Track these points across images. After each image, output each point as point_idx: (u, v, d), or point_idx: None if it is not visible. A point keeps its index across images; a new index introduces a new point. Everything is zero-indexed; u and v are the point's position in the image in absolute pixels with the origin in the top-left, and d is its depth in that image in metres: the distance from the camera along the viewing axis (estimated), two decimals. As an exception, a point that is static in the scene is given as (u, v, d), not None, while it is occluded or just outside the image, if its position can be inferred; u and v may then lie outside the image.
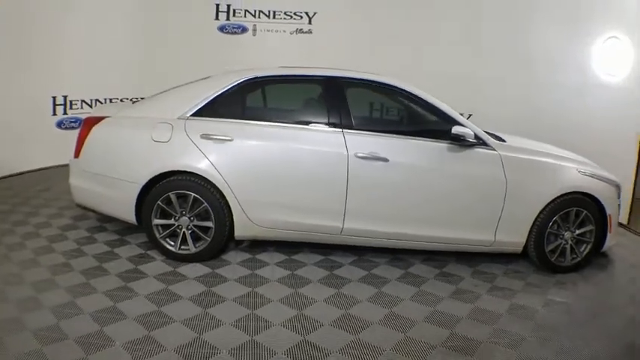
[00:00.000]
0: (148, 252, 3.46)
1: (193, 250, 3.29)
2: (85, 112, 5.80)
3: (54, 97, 6.02)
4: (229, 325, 2.59)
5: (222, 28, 6.67)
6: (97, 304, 2.73)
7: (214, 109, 3.30)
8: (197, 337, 2.46)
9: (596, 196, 3.34)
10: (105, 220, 3.99)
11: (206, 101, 3.29)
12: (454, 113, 3.27)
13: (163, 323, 2.57)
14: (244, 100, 3.36)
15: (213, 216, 3.23)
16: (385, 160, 3.15)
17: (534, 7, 5.73)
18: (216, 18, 6.65)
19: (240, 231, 3.30)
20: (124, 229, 3.83)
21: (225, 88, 3.32)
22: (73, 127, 6.02)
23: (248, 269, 3.28)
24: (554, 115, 5.28)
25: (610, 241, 3.51)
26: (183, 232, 3.28)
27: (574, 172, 3.36)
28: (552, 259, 3.37)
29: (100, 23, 6.20)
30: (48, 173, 5.70)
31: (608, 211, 3.39)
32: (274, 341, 2.47)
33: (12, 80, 5.44)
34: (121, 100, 6.30)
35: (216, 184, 3.19)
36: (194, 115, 3.28)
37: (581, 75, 5.21)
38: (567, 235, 3.36)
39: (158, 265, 3.28)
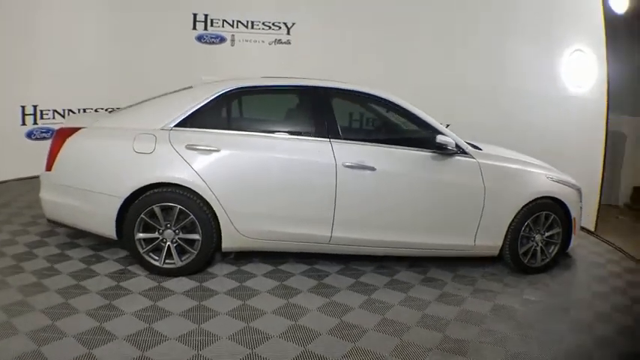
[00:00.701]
0: (129, 267, 3.32)
1: (179, 263, 3.20)
2: (57, 123, 5.57)
3: (23, 107, 5.76)
4: (227, 340, 2.54)
5: (199, 38, 6.57)
6: (81, 326, 2.57)
7: (198, 119, 3.23)
8: (196, 355, 2.39)
9: (563, 200, 3.60)
10: (76, 236, 3.79)
11: (190, 111, 3.23)
12: (435, 123, 3.41)
13: (157, 342, 2.48)
14: (229, 111, 3.33)
15: (199, 228, 3.16)
16: (372, 169, 3.23)
17: (507, 20, 6.00)
18: (194, 28, 6.54)
19: (228, 243, 3.25)
20: (97, 244, 3.65)
21: (210, 99, 3.27)
22: (44, 138, 5.76)
23: (236, 281, 3.24)
24: (524, 124, 5.54)
25: (573, 242, 3.79)
26: (168, 245, 3.19)
27: (543, 178, 3.60)
28: (525, 261, 3.59)
29: (73, 30, 5.99)
30: (14, 185, 5.37)
31: (573, 214, 3.66)
32: (276, 353, 2.46)
33: None
34: (96, 110, 6.08)
35: (203, 196, 3.12)
36: (177, 125, 3.20)
37: (551, 85, 5.48)
38: (538, 237, 3.60)
39: (141, 280, 3.16)
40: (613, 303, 3.36)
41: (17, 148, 5.63)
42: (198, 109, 3.24)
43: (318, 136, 3.27)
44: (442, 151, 3.32)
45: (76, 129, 3.24)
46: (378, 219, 3.32)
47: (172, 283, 3.14)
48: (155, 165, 3.13)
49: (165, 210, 3.17)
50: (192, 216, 3.14)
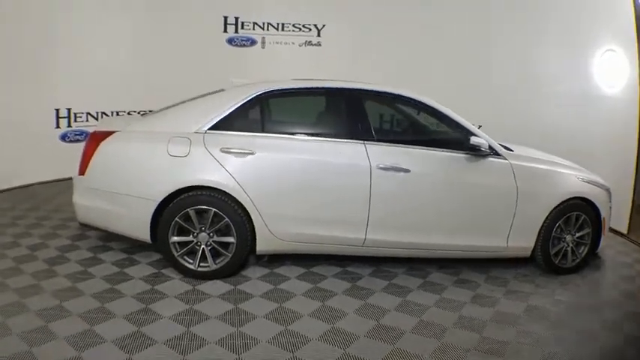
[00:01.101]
0: (162, 271, 3.34)
1: (214, 266, 3.21)
2: (90, 125, 5.73)
3: (57, 110, 5.91)
4: (267, 343, 2.55)
5: (230, 41, 6.60)
6: (120, 330, 2.58)
7: (232, 122, 3.25)
8: (237, 359, 2.40)
9: (593, 200, 3.58)
10: (107, 239, 3.82)
11: (224, 115, 3.24)
12: (468, 124, 3.41)
13: (197, 346, 2.48)
14: (262, 113, 3.34)
15: (234, 231, 3.16)
16: (407, 170, 3.23)
17: (537, 21, 5.89)
18: (225, 30, 6.58)
19: (263, 245, 3.26)
20: (130, 247, 3.68)
21: (243, 102, 3.28)
22: (78, 140, 5.91)
23: (270, 284, 3.25)
24: (555, 124, 5.48)
25: (602, 243, 3.77)
26: (202, 248, 3.20)
27: (574, 178, 3.59)
28: (556, 262, 3.58)
29: (106, 35, 6.12)
30: (40, 189, 5.50)
31: (603, 214, 3.65)
32: (316, 356, 2.46)
33: (14, 92, 5.33)
34: (129, 113, 6.15)
35: (238, 199, 3.13)
36: (211, 128, 3.21)
37: (582, 86, 5.40)
38: (568, 238, 3.58)
39: (176, 283, 3.17)
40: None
41: (52, 150, 5.77)
42: (232, 112, 3.25)
43: (351, 138, 3.27)
44: (475, 152, 3.32)
45: (110, 133, 3.26)
46: (412, 221, 3.32)
47: (207, 286, 3.15)
48: (190, 168, 3.13)
49: (199, 213, 3.18)
50: (226, 219, 3.15)
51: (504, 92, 6.05)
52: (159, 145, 3.16)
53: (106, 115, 6.22)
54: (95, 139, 3.25)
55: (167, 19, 6.36)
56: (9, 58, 5.29)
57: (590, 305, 3.29)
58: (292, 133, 3.31)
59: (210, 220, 3.16)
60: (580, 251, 3.66)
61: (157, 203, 3.13)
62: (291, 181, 3.20)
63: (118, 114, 6.27)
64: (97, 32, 6.03)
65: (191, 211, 3.14)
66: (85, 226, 3.51)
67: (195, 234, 3.19)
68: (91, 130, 3.39)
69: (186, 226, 3.17)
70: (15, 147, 5.37)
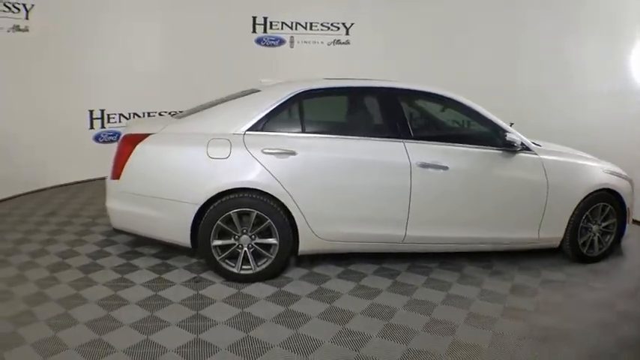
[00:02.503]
0: (201, 275, 3.29)
1: (256, 269, 3.18)
2: (123, 126, 5.81)
3: (91, 111, 6.10)
4: (330, 343, 2.55)
5: (259, 41, 6.59)
6: (178, 339, 2.52)
7: (271, 122, 3.21)
8: None
9: (618, 191, 3.71)
10: (136, 244, 3.76)
11: (261, 115, 3.20)
12: (501, 122, 3.47)
13: (261, 350, 2.46)
14: (301, 113, 3.31)
15: (277, 232, 3.14)
16: (445, 167, 3.27)
17: (572, 16, 5.80)
18: (254, 31, 6.58)
19: (305, 246, 3.25)
20: (161, 252, 3.62)
21: (280, 102, 3.25)
22: (111, 141, 6.02)
23: (314, 284, 3.24)
24: (589, 121, 5.37)
25: (627, 231, 3.92)
26: (244, 251, 3.17)
27: (599, 170, 3.71)
28: (584, 251, 3.70)
29: (136, 37, 6.24)
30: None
31: (627, 204, 3.78)
32: (381, 354, 2.47)
33: (49, 93, 5.48)
34: (160, 114, 6.14)
35: (281, 200, 3.11)
36: (250, 129, 3.17)
37: (617, 81, 5.22)
38: (595, 228, 3.70)
39: (220, 288, 3.13)
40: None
41: (86, 150, 5.95)
42: (270, 112, 3.22)
43: (391, 137, 3.28)
44: (510, 148, 3.39)
45: (145, 135, 3.17)
46: (450, 216, 3.36)
47: (252, 289, 3.12)
48: (232, 170, 3.09)
49: (240, 215, 3.13)
50: (269, 220, 3.12)
51: (535, 90, 5.95)
52: (198, 147, 3.10)
53: (138, 116, 6.28)
54: (130, 141, 3.16)
55: (196, 20, 6.44)
56: (45, 60, 5.41)
57: (625, 290, 3.41)
58: (332, 133, 3.30)
59: (252, 222, 3.13)
60: (606, 240, 3.78)
61: (199, 207, 3.07)
62: (333, 180, 3.20)
63: (149, 115, 6.30)
64: (129, 34, 6.16)
65: (233, 214, 3.10)
66: (120, 232, 3.42)
67: (237, 237, 3.16)
68: (123, 133, 3.28)
69: (228, 229, 3.13)
70: (50, 147, 5.54)
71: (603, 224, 3.73)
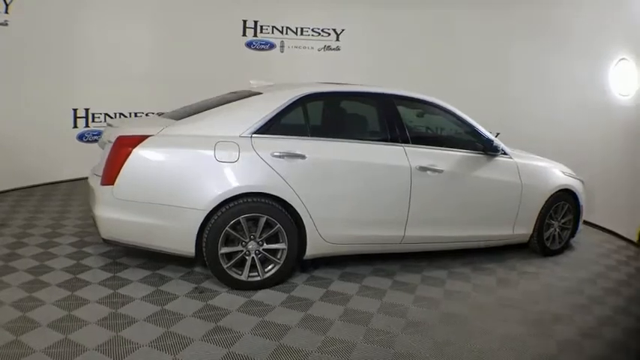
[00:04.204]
0: (202, 285, 3.12)
1: (264, 276, 3.09)
2: (104, 126, 5.39)
3: (75, 110, 6.01)
4: (365, 343, 2.57)
5: (249, 44, 6.45)
6: (211, 354, 2.36)
7: (277, 126, 3.15)
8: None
9: (575, 191, 4.20)
10: (114, 255, 3.47)
11: (268, 118, 3.12)
12: (483, 129, 3.77)
13: (301, 358, 2.39)
14: (306, 116, 3.27)
15: (285, 237, 3.08)
16: (440, 171, 3.45)
17: (552, 33, 5.87)
18: (244, 34, 6.42)
19: (312, 250, 3.22)
20: (144, 263, 3.39)
21: (286, 105, 3.19)
22: (95, 141, 5.64)
23: (320, 287, 3.24)
24: (568, 132, 5.52)
25: (580, 227, 4.42)
26: (252, 258, 3.05)
27: (560, 173, 4.17)
28: (548, 245, 4.14)
29: (123, 36, 6.14)
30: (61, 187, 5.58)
31: (581, 202, 4.29)
32: (415, 349, 2.55)
33: (32, 92, 5.41)
34: (146, 115, 5.82)
35: (292, 204, 3.06)
36: (256, 132, 3.08)
37: (596, 94, 5.32)
38: (555, 224, 4.16)
39: (228, 297, 2.99)
40: (624, 272, 4.05)
41: (70, 149, 5.89)
42: (276, 115, 3.15)
43: (392, 141, 3.40)
44: (494, 153, 3.69)
45: (143, 137, 2.92)
46: (444, 216, 3.57)
47: (261, 297, 3.03)
48: (242, 174, 2.97)
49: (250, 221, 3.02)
50: (278, 225, 3.05)
51: (519, 100, 6.12)
52: (205, 150, 2.94)
53: (124, 116, 6.01)
54: (126, 143, 2.89)
55: (186, 21, 6.32)
56: (28, 58, 5.33)
57: (586, 278, 3.81)
58: (337, 137, 3.32)
59: (261, 227, 3.04)
60: (564, 235, 4.25)
61: (206, 213, 2.91)
62: (340, 184, 3.23)
63: (135, 115, 5.99)
64: (117, 34, 6.08)
65: (242, 220, 2.98)
66: (110, 243, 3.11)
67: (244, 243, 3.04)
68: (114, 135, 2.98)
69: (236, 235, 3.00)
70: (33, 146, 5.46)
71: (562, 220, 4.20)
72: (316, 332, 2.65)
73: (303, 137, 3.21)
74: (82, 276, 3.11)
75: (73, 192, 5.43)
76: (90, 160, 3.35)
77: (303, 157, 3.11)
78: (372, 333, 2.69)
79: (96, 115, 6.10)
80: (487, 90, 6.27)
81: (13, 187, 5.33)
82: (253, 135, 3.07)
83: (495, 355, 2.56)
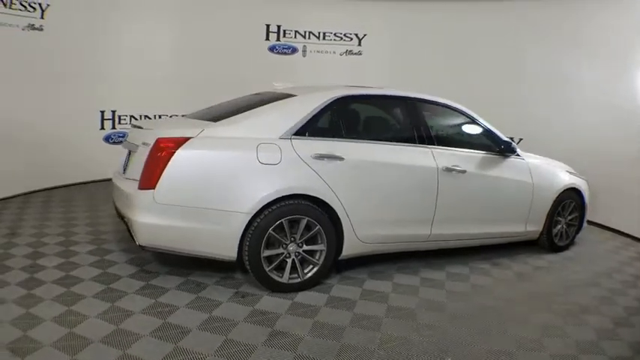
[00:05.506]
0: (240, 289, 3.07)
1: (304, 277, 3.08)
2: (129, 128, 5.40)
3: (102, 112, 6.18)
4: (419, 337, 2.62)
5: (272, 49, 6.45)
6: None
7: (315, 127, 3.17)
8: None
9: (580, 189, 4.43)
10: (139, 263, 3.37)
11: (305, 120, 3.13)
12: (498, 132, 3.94)
13: (367, 357, 2.41)
14: (342, 118, 3.31)
15: (325, 238, 3.09)
16: (464, 171, 3.58)
17: (574, 35, 5.81)
18: (267, 38, 6.41)
19: (348, 250, 3.24)
20: (174, 269, 3.30)
21: (321, 107, 3.21)
22: (121, 142, 5.61)
23: (355, 286, 3.27)
24: (588, 136, 5.53)
25: (585, 225, 4.65)
26: (292, 260, 3.04)
27: (566, 173, 4.40)
28: (556, 242, 4.34)
29: (149, 41, 6.28)
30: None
31: (586, 200, 4.53)
32: (468, 339, 2.62)
33: (60, 93, 5.58)
34: (170, 116, 5.76)
35: (332, 205, 3.08)
36: (296, 134, 3.08)
37: (618, 100, 5.29)
38: (563, 221, 4.37)
39: (272, 300, 2.96)
40: (638, 267, 4.25)
41: (96, 150, 6.03)
42: (312, 117, 3.16)
43: (421, 144, 3.49)
44: (510, 154, 3.86)
45: (184, 139, 2.84)
46: (465, 214, 3.69)
47: (303, 298, 3.02)
48: (284, 176, 2.96)
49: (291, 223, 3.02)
50: (318, 226, 3.05)
51: (538, 103, 6.04)
52: (248, 152, 2.91)
53: (149, 118, 6.01)
54: (168, 146, 2.80)
55: (211, 24, 6.34)
56: (57, 60, 5.46)
57: (600, 272, 3.97)
58: (372, 139, 3.38)
59: (302, 229, 3.03)
60: (570, 232, 4.47)
61: (251, 216, 2.87)
62: (377, 185, 3.28)
63: (160, 117, 6.00)
64: (142, 38, 6.22)
65: (285, 222, 2.97)
66: (148, 250, 3.00)
67: (285, 245, 3.02)
68: (153, 137, 2.88)
69: (278, 237, 2.98)
70: (60, 147, 5.60)
71: (569, 217, 4.42)
72: (371, 330, 2.68)
73: (340, 139, 3.24)
74: (114, 285, 2.99)
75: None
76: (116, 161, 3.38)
77: (341, 158, 3.13)
78: (423, 328, 2.75)
79: (122, 117, 6.24)
80: (507, 93, 6.22)
81: (41, 187, 5.53)
82: (293, 137, 3.08)
83: (540, 343, 2.67)
